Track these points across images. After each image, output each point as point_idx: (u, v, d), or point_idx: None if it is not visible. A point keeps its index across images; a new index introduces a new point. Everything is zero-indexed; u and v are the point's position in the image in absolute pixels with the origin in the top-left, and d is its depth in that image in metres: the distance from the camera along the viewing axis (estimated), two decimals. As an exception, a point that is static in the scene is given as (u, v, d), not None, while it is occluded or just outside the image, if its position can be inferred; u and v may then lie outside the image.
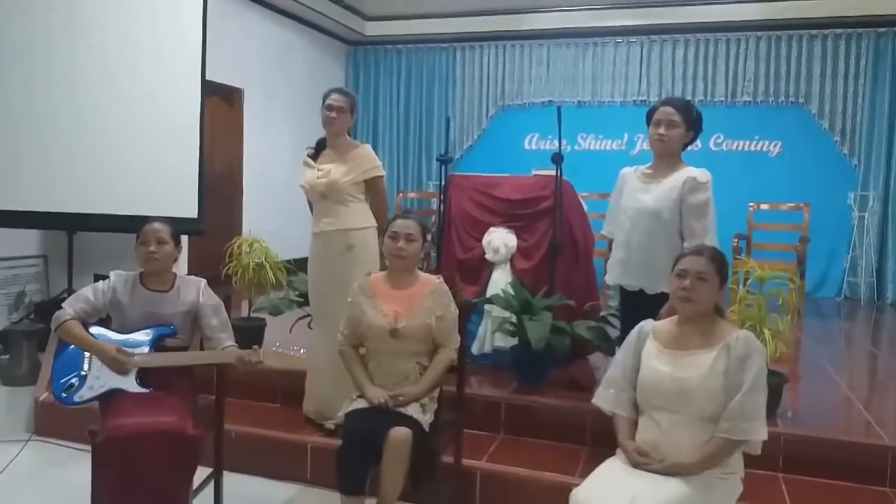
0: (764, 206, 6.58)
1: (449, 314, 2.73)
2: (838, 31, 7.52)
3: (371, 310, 2.72)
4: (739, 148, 7.90)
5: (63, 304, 2.69)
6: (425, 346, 2.71)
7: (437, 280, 2.80)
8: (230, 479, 3.08)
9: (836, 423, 3.59)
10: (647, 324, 2.34)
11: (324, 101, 3.43)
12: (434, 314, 2.69)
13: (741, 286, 3.44)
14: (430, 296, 2.73)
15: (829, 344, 5.54)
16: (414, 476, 2.51)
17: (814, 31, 7.59)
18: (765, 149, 7.86)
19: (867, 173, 7.42)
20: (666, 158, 3.03)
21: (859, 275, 7.37)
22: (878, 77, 7.38)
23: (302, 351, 2.53)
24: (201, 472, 2.68)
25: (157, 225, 2.75)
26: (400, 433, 2.42)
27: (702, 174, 2.95)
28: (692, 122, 3.00)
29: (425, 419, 2.56)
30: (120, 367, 2.59)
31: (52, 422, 3.65)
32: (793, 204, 6.59)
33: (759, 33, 7.75)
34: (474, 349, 4.04)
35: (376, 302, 2.74)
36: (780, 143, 7.81)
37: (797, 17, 7.46)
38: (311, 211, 3.58)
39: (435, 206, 5.57)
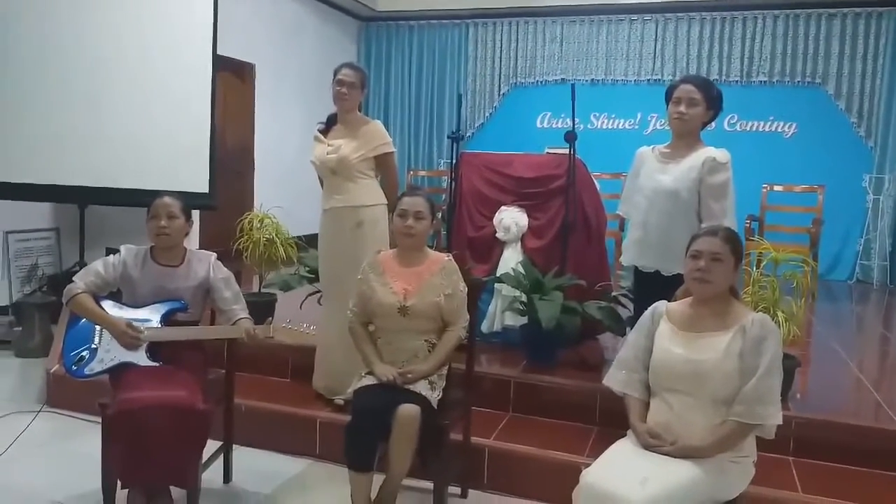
0: (777, 188, 6.50)
1: (458, 292, 2.72)
2: (857, 10, 7.40)
3: (380, 287, 2.71)
4: (754, 128, 7.81)
5: (74, 278, 2.69)
6: (434, 323, 2.70)
7: (446, 258, 2.78)
8: (240, 453, 3.11)
9: (848, 407, 3.57)
10: (660, 305, 2.32)
11: (334, 76, 3.40)
12: (443, 292, 2.67)
13: (753, 268, 3.40)
14: (440, 273, 2.71)
15: (840, 327, 5.50)
16: (422, 453, 2.51)
17: (832, 10, 7.47)
18: (779, 129, 7.77)
19: (883, 156, 7.32)
20: (685, 138, 2.98)
21: (872, 258, 7.30)
22: (897, 58, 7.25)
23: (312, 328, 2.52)
24: (211, 446, 2.70)
25: (167, 199, 2.74)
26: (408, 410, 2.42)
27: (722, 154, 2.90)
28: (712, 100, 2.94)
29: (434, 396, 2.56)
30: (130, 342, 2.60)
31: (64, 393, 3.67)
32: (807, 186, 6.51)
33: (777, 12, 7.64)
34: (484, 328, 4.04)
35: (386, 279, 2.72)
36: (795, 125, 7.71)
37: (814, -6, 7.36)
38: (322, 187, 3.56)
39: (445, 185, 5.54)
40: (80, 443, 3.26)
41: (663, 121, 7.72)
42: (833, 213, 6.62)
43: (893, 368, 4.54)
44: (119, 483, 2.55)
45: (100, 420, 2.54)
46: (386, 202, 3.45)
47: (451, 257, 2.79)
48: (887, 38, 7.30)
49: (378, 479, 2.54)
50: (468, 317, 2.76)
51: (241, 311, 2.75)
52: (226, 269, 2.82)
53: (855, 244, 7.41)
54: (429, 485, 2.73)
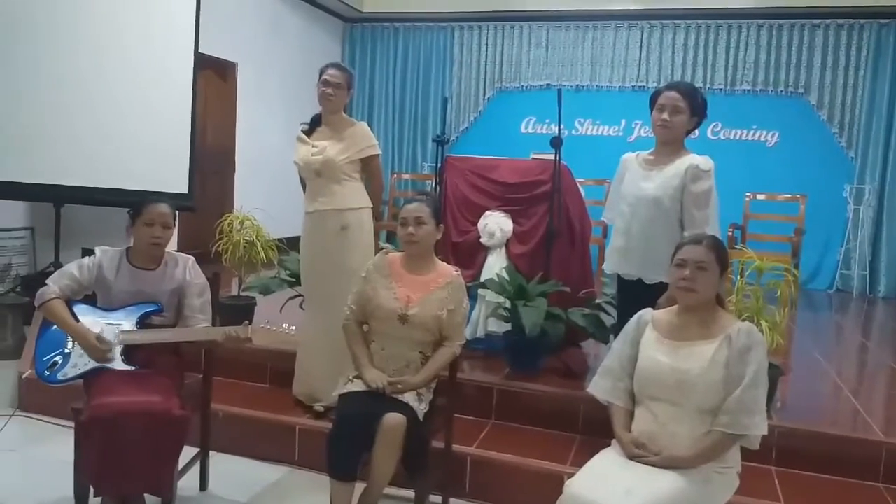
0: (760, 197, 6.54)
1: (461, 309, 2.68)
2: (840, 21, 7.46)
3: (384, 290, 2.66)
4: (737, 137, 7.86)
5: (47, 281, 2.61)
6: (431, 336, 2.66)
7: (454, 272, 2.73)
8: (216, 460, 3.05)
9: (830, 417, 3.57)
10: (646, 313, 2.30)
11: (320, 76, 3.35)
12: (447, 307, 2.63)
13: (736, 276, 3.39)
14: (446, 288, 2.67)
15: (821, 336, 5.53)
16: (406, 463, 2.47)
17: (815, 21, 7.53)
18: (762, 138, 7.82)
19: (864, 166, 7.39)
20: (669, 145, 2.96)
21: (852, 267, 7.36)
22: (879, 69, 7.33)
23: (292, 328, 2.47)
24: (187, 453, 2.64)
25: (163, 208, 2.65)
26: (394, 419, 2.37)
27: (704, 162, 2.88)
28: (697, 107, 2.92)
29: (420, 408, 2.52)
30: (99, 356, 2.53)
31: (37, 398, 3.58)
32: (789, 195, 6.56)
33: (761, 21, 7.69)
34: (467, 334, 3.98)
35: (391, 283, 2.68)
36: (777, 133, 7.77)
37: (799, 5, 7.42)
38: (304, 189, 3.50)
39: (429, 188, 5.51)
40: (52, 448, 3.19)
41: (647, 128, 7.74)
42: (814, 222, 6.67)
43: (873, 378, 4.56)
44: (92, 490, 2.48)
45: (73, 425, 2.48)
46: (371, 205, 3.41)
47: (459, 272, 2.75)
48: (868, 50, 7.37)
49: (359, 488, 2.49)
50: (465, 335, 2.72)
51: (203, 321, 2.69)
52: (203, 276, 2.76)
53: (835, 253, 7.47)
54: (410, 493, 2.70)
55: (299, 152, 3.41)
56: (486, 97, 8.73)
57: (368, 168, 3.41)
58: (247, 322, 2.65)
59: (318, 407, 3.33)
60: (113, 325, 2.57)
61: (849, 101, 7.47)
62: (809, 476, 2.97)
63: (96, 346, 2.52)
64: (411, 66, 8.94)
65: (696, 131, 3.06)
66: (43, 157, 4.62)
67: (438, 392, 2.74)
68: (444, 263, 2.81)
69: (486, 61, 8.68)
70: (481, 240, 4.06)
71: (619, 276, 3.11)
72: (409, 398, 2.50)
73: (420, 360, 2.64)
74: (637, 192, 2.97)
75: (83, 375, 2.55)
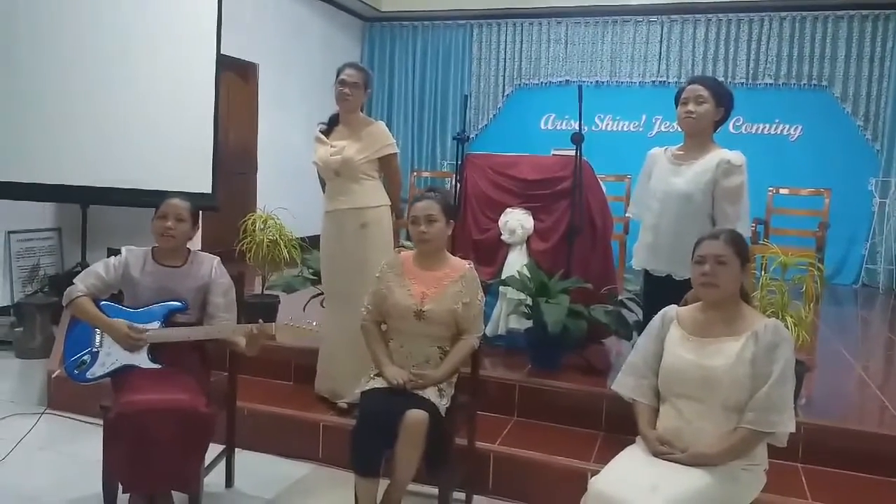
0: (783, 191, 6.45)
1: (476, 301, 2.68)
2: (864, 12, 7.36)
3: (399, 288, 2.68)
4: (759, 131, 7.78)
5: (74, 280, 2.65)
6: (449, 330, 2.67)
7: (467, 266, 2.74)
8: (242, 457, 3.08)
9: (857, 413, 3.53)
10: (670, 309, 2.28)
11: (337, 75, 3.36)
12: (461, 300, 2.64)
13: (761, 272, 3.36)
14: (460, 281, 2.67)
15: (847, 332, 5.46)
16: (428, 459, 2.48)
17: (839, 13, 7.44)
18: (785, 132, 7.74)
19: (890, 159, 7.28)
20: (697, 138, 2.93)
21: (878, 262, 7.26)
22: (904, 60, 7.21)
23: (315, 323, 2.50)
24: (213, 449, 2.66)
25: (177, 201, 2.70)
26: (416, 415, 2.38)
27: (736, 156, 2.85)
28: (720, 97, 2.88)
29: (442, 404, 2.53)
30: (132, 345, 2.57)
31: (66, 396, 3.64)
32: (813, 189, 6.47)
33: (783, 14, 7.60)
34: (488, 331, 3.99)
35: (405, 281, 2.69)
36: (800, 127, 7.68)
37: (821, -3, 7.32)
38: (323, 187, 3.52)
39: (449, 186, 5.51)
40: (82, 446, 3.24)
41: (668, 123, 7.72)
42: (839, 216, 6.57)
43: (901, 373, 4.49)
44: (120, 487, 2.51)
45: (101, 423, 2.51)
46: (390, 203, 3.42)
47: (472, 265, 2.75)
48: (893, 41, 7.26)
49: (383, 484, 2.51)
50: (483, 327, 2.73)
51: (228, 320, 2.71)
52: (228, 276, 2.79)
53: (861, 248, 7.37)
54: (433, 490, 2.70)
55: (318, 152, 3.42)
56: (505, 94, 8.72)
57: (387, 167, 3.43)
58: (261, 321, 2.66)
59: (342, 404, 3.35)
60: (139, 323, 2.61)
61: (874, 93, 7.37)
62: (836, 473, 2.94)
63: (128, 335, 2.55)
64: (430, 65, 8.95)
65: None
66: (70, 159, 4.70)
67: (460, 389, 2.75)
68: (456, 258, 2.82)
69: (504, 58, 8.67)
70: (502, 237, 4.06)
71: (647, 271, 3.09)
72: (430, 394, 2.51)
73: (439, 356, 2.65)
74: (666, 187, 2.95)
75: (111, 374, 2.59)
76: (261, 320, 2.66)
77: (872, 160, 7.37)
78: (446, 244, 2.80)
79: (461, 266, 2.73)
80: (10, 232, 4.99)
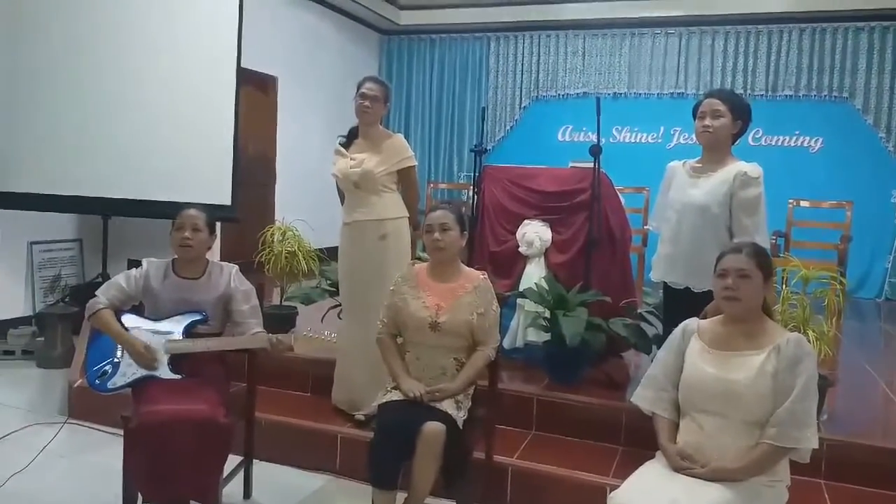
0: (804, 204, 6.40)
1: (491, 312, 2.68)
2: (885, 23, 7.30)
3: (413, 301, 2.68)
4: (779, 143, 7.72)
5: (97, 293, 2.69)
6: (465, 341, 2.66)
7: (481, 276, 2.74)
8: (260, 468, 3.08)
9: (881, 429, 3.48)
10: (691, 322, 2.27)
11: (358, 89, 3.39)
12: (476, 311, 2.64)
13: (781, 285, 3.33)
14: (474, 292, 2.67)
15: (870, 346, 5.38)
16: (446, 472, 2.47)
17: (860, 24, 7.38)
18: (805, 144, 7.68)
19: (913, 171, 7.20)
20: (714, 151, 2.93)
21: (901, 276, 7.17)
22: (927, 72, 7.15)
23: (333, 335, 2.50)
24: (232, 460, 2.67)
25: (193, 212, 2.75)
26: (434, 428, 2.38)
27: (753, 168, 2.85)
28: (738, 110, 2.88)
29: (459, 416, 2.52)
30: (146, 363, 2.59)
31: (87, 405, 3.67)
32: (834, 201, 6.41)
33: (803, 25, 7.56)
34: (506, 344, 3.98)
35: (419, 293, 2.69)
36: (821, 139, 7.61)
37: (842, 8, 7.26)
38: (341, 200, 3.54)
39: (466, 198, 5.52)
40: (102, 455, 3.25)
41: (686, 135, 7.68)
42: (861, 229, 6.50)
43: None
44: (140, 496, 2.53)
45: (122, 433, 2.53)
46: (408, 215, 3.43)
47: (486, 276, 2.75)
48: (915, 52, 7.19)
49: (400, 497, 2.50)
50: (499, 337, 2.72)
51: (256, 325, 2.73)
52: (248, 282, 2.81)
53: (884, 261, 7.27)
54: None
55: (338, 165, 3.45)
56: (522, 106, 8.73)
57: (405, 179, 3.44)
58: (291, 330, 2.67)
59: (359, 416, 3.35)
60: (160, 334, 2.63)
61: (895, 105, 7.29)
62: (859, 490, 2.89)
63: (143, 354, 2.59)
64: (447, 77, 8.99)
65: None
66: (91, 170, 4.76)
67: (478, 402, 2.74)
68: (470, 268, 2.82)
69: (521, 70, 8.69)
70: (520, 249, 4.05)
71: (665, 284, 3.09)
72: (447, 406, 2.51)
73: (455, 367, 2.64)
74: (684, 199, 2.95)
75: (132, 384, 2.61)
76: (292, 330, 2.66)
77: (895, 172, 7.28)
78: (461, 256, 2.81)
79: (475, 277, 2.73)
80: (32, 242, 5.06)
